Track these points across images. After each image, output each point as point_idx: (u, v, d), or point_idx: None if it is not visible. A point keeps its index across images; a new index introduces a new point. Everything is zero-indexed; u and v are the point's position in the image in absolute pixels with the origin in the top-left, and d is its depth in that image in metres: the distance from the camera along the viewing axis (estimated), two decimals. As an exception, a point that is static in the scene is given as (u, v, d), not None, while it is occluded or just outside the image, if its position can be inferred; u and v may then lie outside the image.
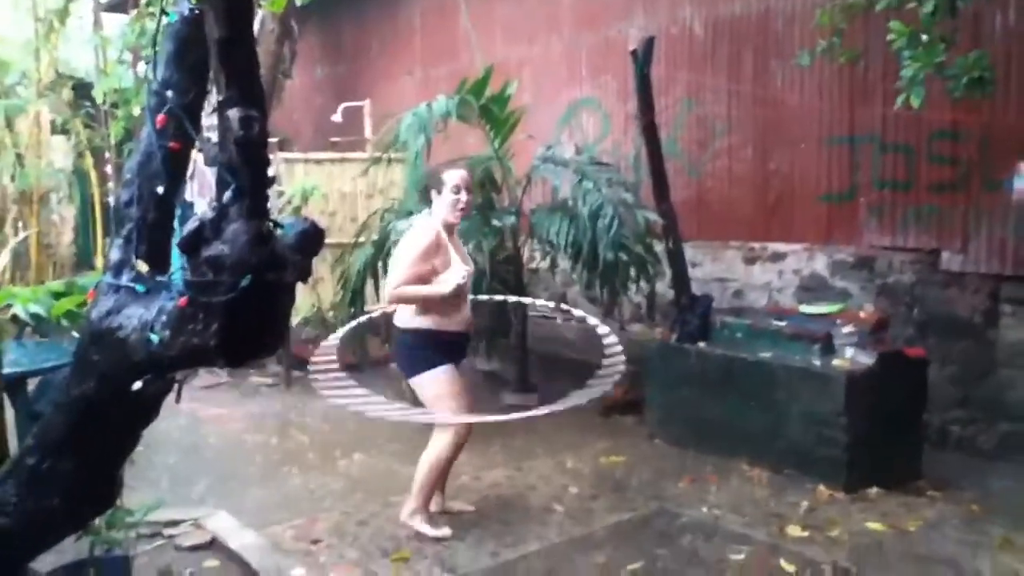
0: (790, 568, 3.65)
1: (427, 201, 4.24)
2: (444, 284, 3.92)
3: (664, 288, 6.16)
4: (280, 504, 4.58)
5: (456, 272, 3.93)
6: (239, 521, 4.22)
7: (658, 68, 6.21)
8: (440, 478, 4.14)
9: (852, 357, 4.70)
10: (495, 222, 6.36)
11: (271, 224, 2.02)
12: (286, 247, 2.06)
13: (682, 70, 6.76)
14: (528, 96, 7.62)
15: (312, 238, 2.13)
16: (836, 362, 4.69)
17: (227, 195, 1.97)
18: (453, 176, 4.07)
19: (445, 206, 4.05)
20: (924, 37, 4.23)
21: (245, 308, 1.98)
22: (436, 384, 3.97)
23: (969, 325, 5.22)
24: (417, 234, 3.97)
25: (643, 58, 5.67)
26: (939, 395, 5.06)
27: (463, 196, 4.07)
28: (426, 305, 3.95)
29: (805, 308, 5.34)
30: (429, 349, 3.97)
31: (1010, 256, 5.06)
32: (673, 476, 4.84)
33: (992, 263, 5.15)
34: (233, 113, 1.93)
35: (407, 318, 3.97)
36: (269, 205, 2.09)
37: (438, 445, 4.03)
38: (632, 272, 6.02)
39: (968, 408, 5.21)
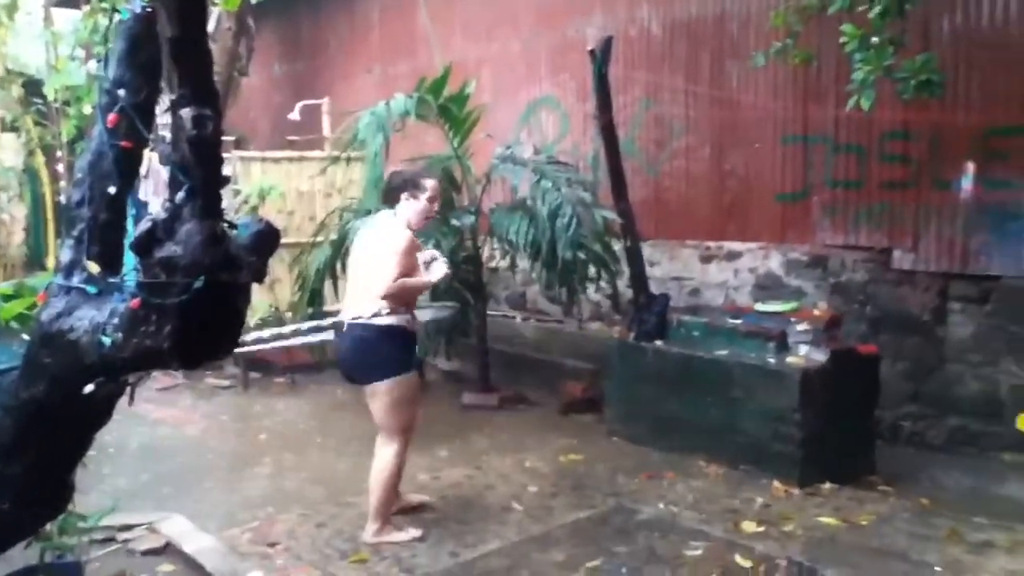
0: (745, 563, 3.70)
1: (389, 201, 4.19)
2: (432, 274, 4.03)
3: (623, 287, 6.21)
4: (237, 507, 4.53)
5: (441, 263, 4.07)
6: (195, 524, 4.17)
7: (616, 68, 6.26)
8: (395, 490, 4.11)
9: (806, 354, 4.78)
10: (454, 221, 6.36)
11: (225, 224, 2.01)
12: (241, 247, 2.05)
13: (640, 70, 6.82)
14: (487, 95, 7.63)
15: (267, 238, 2.12)
16: (790, 359, 4.77)
17: (180, 195, 1.95)
18: (432, 185, 4.10)
19: (418, 212, 4.05)
20: (874, 40, 4.32)
21: (199, 309, 1.96)
22: (404, 388, 3.93)
23: (919, 322, 5.34)
24: (402, 233, 3.94)
25: (601, 58, 5.71)
26: (891, 391, 5.16)
27: (436, 206, 4.18)
28: (404, 303, 3.93)
29: (760, 306, 5.41)
30: (406, 350, 3.95)
31: (958, 254, 5.19)
32: (631, 473, 4.87)
33: (941, 261, 5.27)
34: (186, 112, 1.91)
35: (383, 317, 3.86)
36: (224, 205, 2.07)
37: (385, 460, 3.98)
38: (591, 271, 6.07)
39: (919, 403, 5.33)
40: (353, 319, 3.93)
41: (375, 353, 3.90)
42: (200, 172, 1.94)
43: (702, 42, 6.38)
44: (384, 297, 3.84)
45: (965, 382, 5.13)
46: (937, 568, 3.61)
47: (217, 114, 1.95)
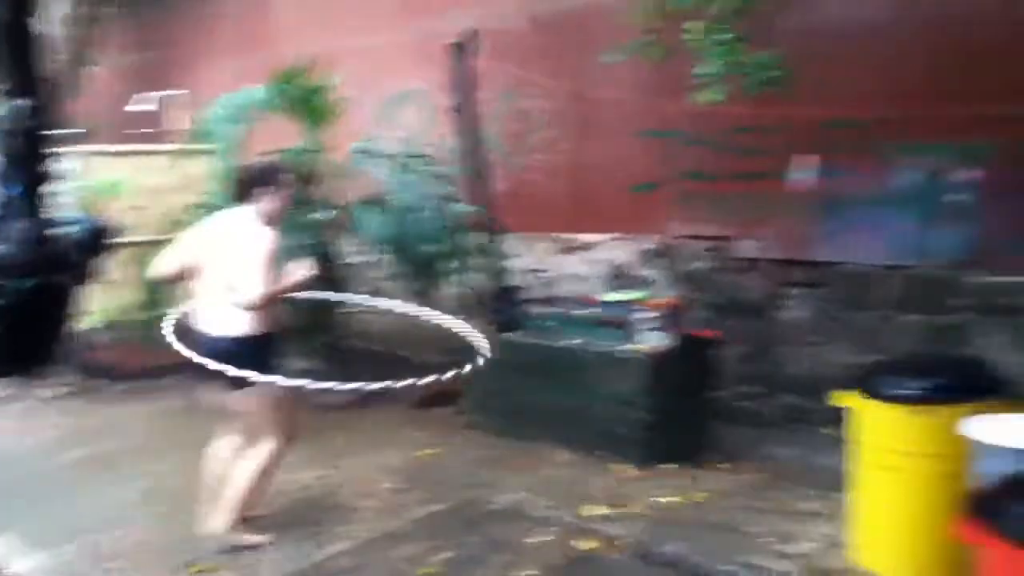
0: (592, 545, 3.83)
1: (241, 195, 4.03)
2: (297, 273, 3.88)
3: (483, 280, 6.25)
4: (75, 521, 4.32)
5: (305, 261, 3.96)
6: (27, 542, 3.96)
7: (480, 61, 6.26)
8: (262, 491, 4.01)
9: (652, 341, 4.95)
10: (313, 216, 6.26)
11: (56, 222, 1.91)
12: (72, 245, 1.96)
13: (503, 64, 6.84)
14: (350, 87, 7.49)
15: (100, 235, 2.04)
16: (638, 346, 4.93)
17: (5, 192, 1.86)
18: (290, 179, 4.03)
19: (278, 207, 3.95)
20: (721, 36, 4.50)
21: (24, 312, 1.86)
22: (278, 389, 3.83)
23: (759, 307, 5.63)
24: (266, 234, 3.79)
25: (465, 51, 5.73)
26: (732, 372, 5.44)
27: (290, 201, 4.09)
28: (269, 305, 3.80)
29: (612, 296, 5.56)
30: (272, 353, 3.86)
31: (796, 242, 5.48)
32: (486, 465, 4.94)
33: (781, 249, 5.56)
34: (12, 103, 1.82)
35: (244, 323, 3.73)
36: (63, 201, 1.98)
37: (263, 455, 3.89)
38: (451, 264, 6.09)
39: (756, 384, 5.62)
40: (221, 335, 3.77)
41: (249, 360, 3.73)
42: (28, 167, 1.85)
43: (563, 37, 6.50)
44: (254, 307, 3.71)
45: (798, 362, 5.45)
46: (767, 539, 3.83)
47: (50, 105, 1.86)
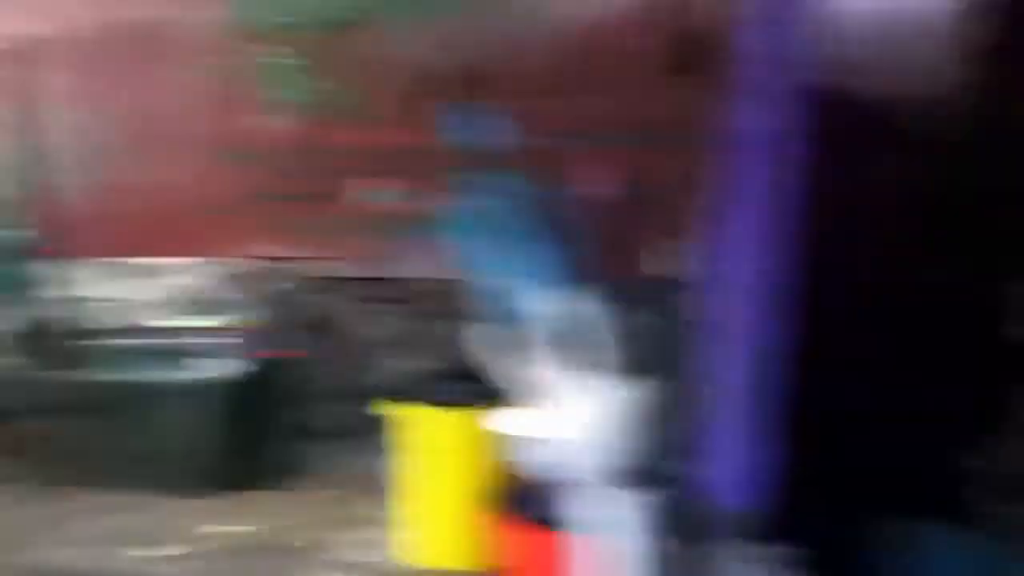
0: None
1: None
2: None
3: (33, 314, 5.61)
4: None
5: None
6: None
7: (42, 72, 5.70)
8: None
9: (231, 366, 4.83)
10: None
11: None
12: None
13: (68, 76, 6.24)
14: None
15: None
16: (212, 373, 4.78)
17: None
18: None
19: None
20: (289, 62, 4.51)
21: None
22: None
23: (341, 324, 5.73)
24: None
25: (26, 61, 5.14)
26: (314, 391, 5.46)
27: None
28: None
29: (189, 322, 5.34)
30: None
31: (374, 261, 5.67)
32: (31, 522, 4.39)
33: (360, 267, 5.71)
34: None
35: None
36: None
37: None
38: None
39: (337, 399, 5.69)
40: None
41: None
42: None
43: (137, 50, 6.04)
44: None
45: (378, 374, 5.63)
46: (333, 551, 3.93)
47: None
